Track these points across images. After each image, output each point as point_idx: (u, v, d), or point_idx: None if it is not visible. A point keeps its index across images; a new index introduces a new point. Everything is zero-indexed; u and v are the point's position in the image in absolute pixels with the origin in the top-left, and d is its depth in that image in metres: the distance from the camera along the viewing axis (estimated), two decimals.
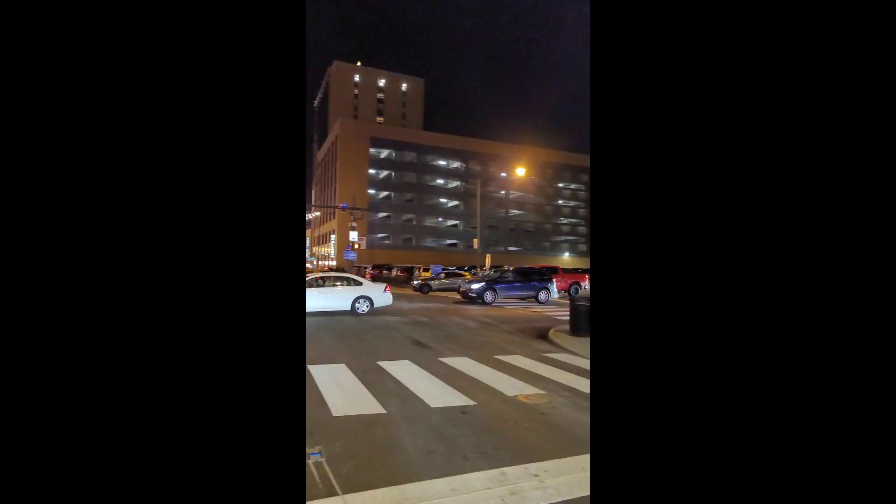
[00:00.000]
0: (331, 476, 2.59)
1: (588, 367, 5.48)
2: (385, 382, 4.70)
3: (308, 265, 47.58)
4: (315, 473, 2.61)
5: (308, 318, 9.73)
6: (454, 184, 53.41)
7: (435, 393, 4.35)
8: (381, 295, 11.33)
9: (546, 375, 5.21)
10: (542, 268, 18.91)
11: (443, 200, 53.65)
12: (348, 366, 5.40)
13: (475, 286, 15.17)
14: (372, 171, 50.03)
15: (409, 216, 51.64)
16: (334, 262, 43.39)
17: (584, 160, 57.54)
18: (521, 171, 31.57)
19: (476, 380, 4.91)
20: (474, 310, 12.84)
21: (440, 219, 53.60)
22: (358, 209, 31.53)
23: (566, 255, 58.58)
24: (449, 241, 53.22)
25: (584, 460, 2.89)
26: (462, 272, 22.66)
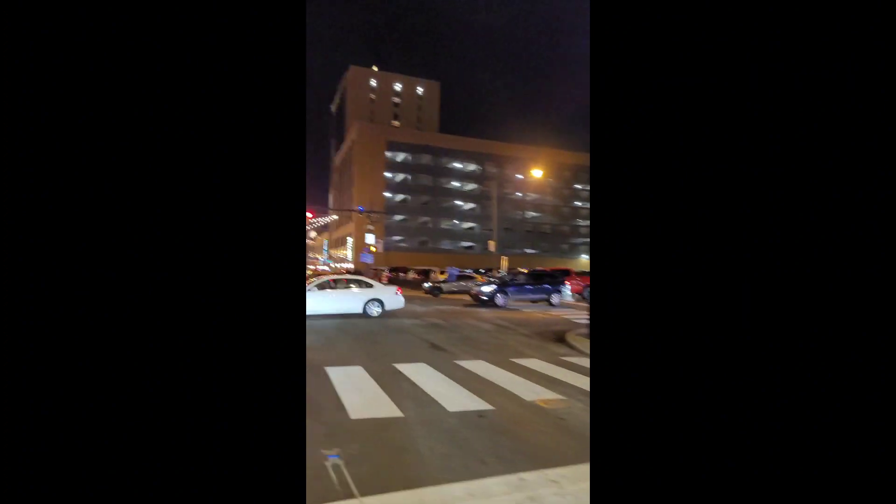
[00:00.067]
0: (348, 478, 2.59)
1: None
2: (401, 385, 4.71)
3: (325, 268, 48.13)
4: (333, 476, 2.62)
5: (323, 321, 9.83)
6: (470, 186, 53.38)
7: (451, 396, 4.33)
8: (393, 298, 11.35)
9: (564, 380, 5.14)
10: (555, 270, 18.70)
11: (459, 203, 53.67)
12: (365, 368, 5.42)
13: (486, 289, 15.09)
14: (388, 175, 50.39)
15: (425, 219, 51.80)
16: (352, 265, 43.76)
17: None
18: (538, 173, 31.38)
19: (493, 383, 4.87)
20: (488, 312, 12.78)
21: (456, 221, 53.61)
22: (374, 212, 31.77)
23: (583, 257, 57.89)
24: (465, 244, 53.19)
25: None
26: (474, 275, 22.60)
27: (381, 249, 35.02)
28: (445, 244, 51.93)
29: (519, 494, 2.48)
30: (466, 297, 17.70)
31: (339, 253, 55.44)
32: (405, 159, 51.26)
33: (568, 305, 15.54)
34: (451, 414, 3.82)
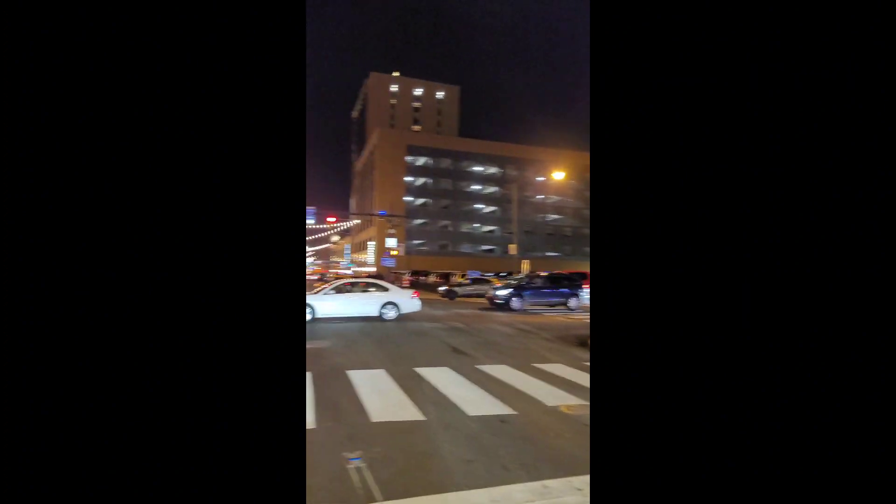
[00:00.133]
0: (370, 482, 2.59)
1: None
2: (423, 389, 4.70)
3: (346, 271, 48.65)
4: (355, 479, 2.63)
5: (342, 324, 9.95)
6: (490, 189, 53.22)
7: (473, 400, 4.30)
8: (409, 301, 11.36)
9: (587, 385, 5.04)
10: (572, 273, 18.30)
11: (479, 206, 53.55)
12: (387, 371, 5.44)
13: (501, 292, 14.89)
14: (409, 179, 50.65)
15: (446, 222, 51.85)
16: (374, 269, 44.16)
17: None
18: (559, 176, 31.06)
19: (515, 388, 4.82)
20: (508, 316, 12.68)
21: (476, 224, 53.50)
22: (395, 216, 31.98)
23: None
24: (486, 247, 53.01)
25: None
26: (490, 278, 22.44)
27: (402, 253, 35.24)
28: (466, 248, 51.86)
29: (543, 502, 2.44)
30: (481, 301, 17.58)
31: (361, 257, 56.02)
32: (425, 163, 51.46)
33: (587, 309, 15.23)
34: (473, 418, 3.79)
